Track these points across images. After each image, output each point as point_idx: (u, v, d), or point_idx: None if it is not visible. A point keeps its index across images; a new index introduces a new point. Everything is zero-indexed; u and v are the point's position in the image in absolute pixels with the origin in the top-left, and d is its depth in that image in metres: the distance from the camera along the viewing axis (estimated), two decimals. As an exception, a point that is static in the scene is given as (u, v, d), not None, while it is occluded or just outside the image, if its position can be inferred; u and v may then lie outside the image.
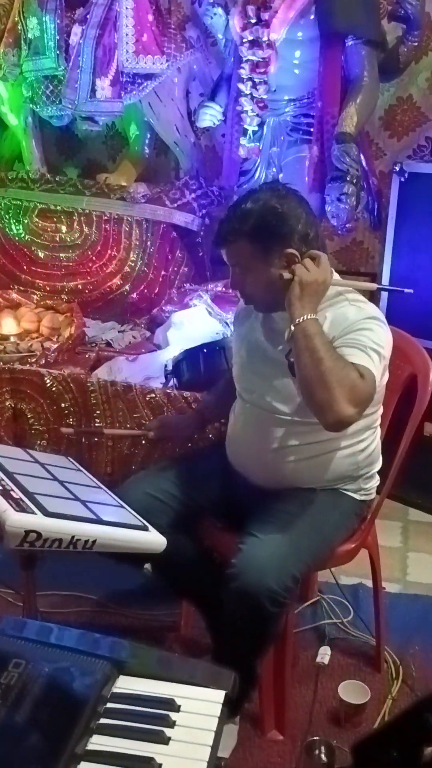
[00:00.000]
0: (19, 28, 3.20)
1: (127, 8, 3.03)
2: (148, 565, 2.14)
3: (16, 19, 3.21)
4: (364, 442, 1.82)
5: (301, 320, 1.62)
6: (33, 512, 1.46)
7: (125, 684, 1.06)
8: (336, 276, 1.80)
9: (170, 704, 1.03)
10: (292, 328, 1.63)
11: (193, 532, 2.00)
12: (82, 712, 0.94)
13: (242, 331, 1.95)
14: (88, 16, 3.06)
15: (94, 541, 1.51)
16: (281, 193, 1.74)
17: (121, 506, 1.74)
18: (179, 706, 1.04)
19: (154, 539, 1.61)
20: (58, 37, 3.09)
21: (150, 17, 3.11)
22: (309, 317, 1.62)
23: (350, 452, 1.80)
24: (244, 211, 1.71)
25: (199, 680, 1.08)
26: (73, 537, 1.47)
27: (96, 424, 2.49)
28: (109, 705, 1.02)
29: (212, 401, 2.19)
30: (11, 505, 1.45)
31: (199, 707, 1.03)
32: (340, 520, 1.82)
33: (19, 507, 1.46)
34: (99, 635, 1.11)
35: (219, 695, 1.05)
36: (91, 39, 3.04)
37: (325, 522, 1.78)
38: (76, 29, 3.07)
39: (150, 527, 1.63)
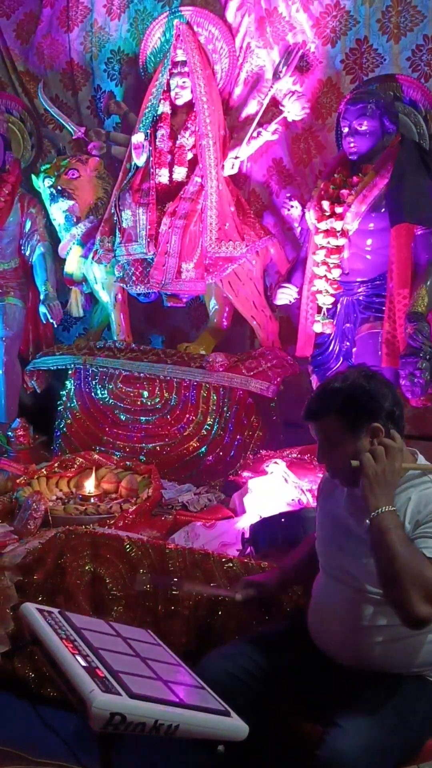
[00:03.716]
0: (115, 219, 3.58)
1: (211, 202, 3.38)
2: (221, 746, 2.06)
3: (113, 211, 3.60)
4: (456, 625, 1.76)
5: (376, 514, 1.64)
6: (118, 693, 1.45)
7: None
8: (420, 458, 1.84)
9: None
10: (367, 522, 1.66)
11: (273, 714, 1.94)
12: None
13: (326, 504, 1.98)
14: (176, 209, 3.41)
15: (177, 727, 1.48)
16: (369, 373, 1.85)
17: (202, 687, 1.71)
18: None
19: (236, 726, 1.57)
20: (149, 227, 3.43)
21: (231, 208, 3.44)
22: (384, 510, 1.64)
23: (441, 636, 1.75)
24: (334, 389, 1.81)
25: None
26: (156, 721, 1.45)
27: (173, 592, 2.49)
28: None
29: (293, 563, 2.17)
30: (98, 684, 1.45)
31: None
32: (430, 711, 1.73)
33: (105, 687, 1.46)
34: None
35: None
36: (179, 228, 3.38)
37: (414, 714, 1.69)
38: (166, 220, 3.43)
39: (232, 713, 1.59)
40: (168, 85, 3.57)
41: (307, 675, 1.90)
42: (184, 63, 3.52)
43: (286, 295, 3.24)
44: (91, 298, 4.04)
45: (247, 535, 2.56)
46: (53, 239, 3.98)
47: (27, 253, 4.06)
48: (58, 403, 3.79)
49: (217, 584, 2.38)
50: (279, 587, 2.16)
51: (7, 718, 2.50)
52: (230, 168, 3.50)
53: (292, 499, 2.80)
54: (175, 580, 2.43)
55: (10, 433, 3.67)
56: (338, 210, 2.94)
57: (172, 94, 3.57)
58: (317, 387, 1.92)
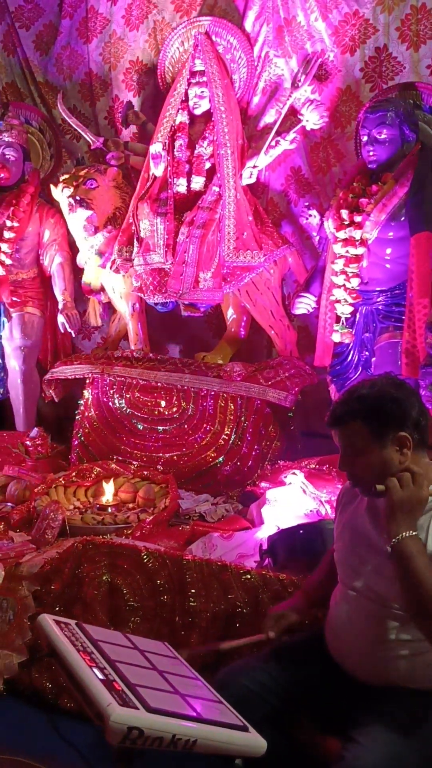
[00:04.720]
0: (133, 228, 3.59)
1: (229, 211, 3.38)
2: (239, 760, 2.04)
3: (130, 221, 3.61)
4: None
5: (397, 540, 1.61)
6: (136, 707, 1.44)
7: None
8: None
9: None
10: (388, 549, 1.63)
11: (290, 729, 1.91)
12: None
13: (346, 516, 1.94)
14: (194, 219, 3.41)
15: (194, 741, 1.46)
16: (396, 382, 1.82)
17: (220, 701, 1.69)
18: None
19: (254, 741, 1.54)
20: (167, 237, 3.44)
21: (249, 218, 3.44)
22: (406, 536, 1.60)
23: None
24: (360, 395, 1.77)
25: None
26: (174, 736, 1.43)
27: (191, 604, 2.47)
28: None
29: (316, 583, 2.13)
30: (115, 698, 1.44)
31: None
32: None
33: (123, 701, 1.44)
34: None
35: None
36: (197, 238, 3.38)
37: (436, 732, 1.67)
38: (183, 230, 3.43)
39: (250, 728, 1.57)
40: (186, 94, 3.59)
41: (325, 689, 1.87)
42: (202, 73, 3.54)
43: (304, 305, 3.23)
44: (109, 308, 4.05)
45: (265, 547, 2.54)
46: (72, 249, 4.00)
47: (46, 263, 4.08)
48: (76, 412, 3.79)
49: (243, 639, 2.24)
50: (307, 610, 2.11)
51: (24, 728, 2.49)
52: (248, 177, 3.50)
53: (311, 510, 2.78)
54: (198, 599, 2.40)
55: (28, 442, 3.68)
56: (357, 219, 2.94)
57: (191, 103, 3.58)
58: (343, 392, 1.88)
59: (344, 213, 2.96)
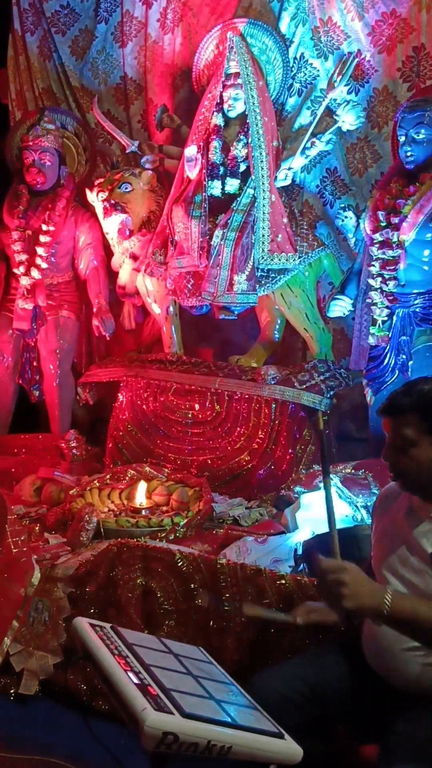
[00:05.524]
0: (167, 231, 3.59)
1: (264, 213, 3.36)
2: (273, 767, 2.02)
3: (165, 224, 3.62)
4: None
5: (388, 608, 1.52)
6: (171, 712, 1.43)
7: None
8: None
9: None
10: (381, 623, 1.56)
11: (327, 736, 1.88)
12: None
13: (384, 522, 1.91)
14: (228, 221, 3.40)
15: (229, 748, 1.45)
16: None
17: (255, 707, 1.67)
18: None
19: (290, 749, 1.53)
20: (201, 239, 3.43)
21: (284, 220, 3.41)
22: (388, 600, 1.53)
23: None
24: (421, 389, 1.76)
25: None
26: (209, 742, 1.42)
27: (225, 607, 2.46)
28: None
29: None
30: (150, 703, 1.43)
31: None
32: None
33: (158, 706, 1.43)
34: None
35: None
36: (231, 241, 3.36)
37: None
38: (218, 232, 3.42)
39: (286, 735, 1.55)
40: (221, 97, 3.58)
41: (362, 696, 1.84)
42: (237, 75, 3.52)
43: (340, 307, 3.20)
44: (143, 311, 4.06)
45: (299, 552, 2.51)
46: (106, 253, 4.02)
47: (81, 267, 4.11)
48: (110, 415, 3.80)
49: (275, 609, 2.31)
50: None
51: (58, 729, 2.50)
52: (283, 179, 3.48)
53: (346, 515, 2.74)
54: (232, 603, 2.39)
55: (63, 445, 3.70)
56: (394, 220, 2.90)
57: (225, 106, 3.57)
58: (403, 384, 1.86)
59: (381, 214, 2.93)
